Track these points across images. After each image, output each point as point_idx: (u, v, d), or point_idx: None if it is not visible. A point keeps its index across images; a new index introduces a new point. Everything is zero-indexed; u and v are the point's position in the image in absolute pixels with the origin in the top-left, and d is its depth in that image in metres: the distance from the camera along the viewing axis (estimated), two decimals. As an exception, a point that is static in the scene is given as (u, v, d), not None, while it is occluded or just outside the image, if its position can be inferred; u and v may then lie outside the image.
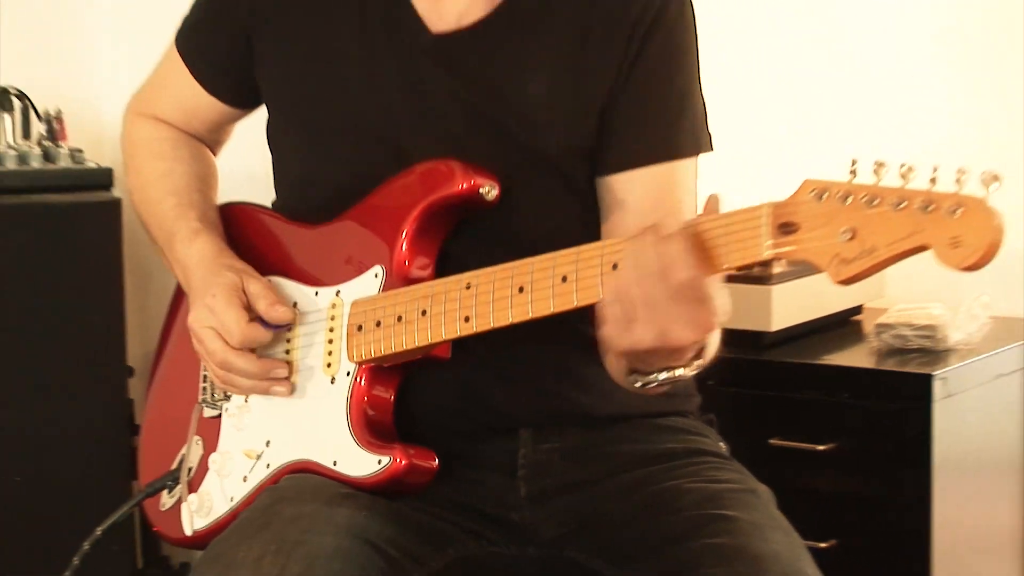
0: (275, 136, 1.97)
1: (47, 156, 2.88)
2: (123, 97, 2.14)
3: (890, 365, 2.37)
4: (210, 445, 1.92)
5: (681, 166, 1.84)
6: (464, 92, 1.82)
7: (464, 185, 1.77)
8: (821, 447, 2.32)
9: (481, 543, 1.83)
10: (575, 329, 1.71)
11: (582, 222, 1.83)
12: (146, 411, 2.10)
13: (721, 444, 1.93)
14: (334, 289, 1.84)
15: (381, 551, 1.68)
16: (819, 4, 2.83)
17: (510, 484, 1.85)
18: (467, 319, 1.69)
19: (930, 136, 2.73)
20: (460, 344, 1.75)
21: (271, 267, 1.90)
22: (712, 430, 1.95)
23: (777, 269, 2.42)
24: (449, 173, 1.78)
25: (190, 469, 1.93)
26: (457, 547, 1.80)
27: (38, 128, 2.95)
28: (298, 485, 1.77)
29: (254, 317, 1.83)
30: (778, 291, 2.43)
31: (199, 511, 1.90)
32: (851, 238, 1.41)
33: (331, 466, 1.78)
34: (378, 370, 1.80)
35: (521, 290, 1.65)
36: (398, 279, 1.79)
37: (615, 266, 1.57)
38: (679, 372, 1.63)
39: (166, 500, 1.97)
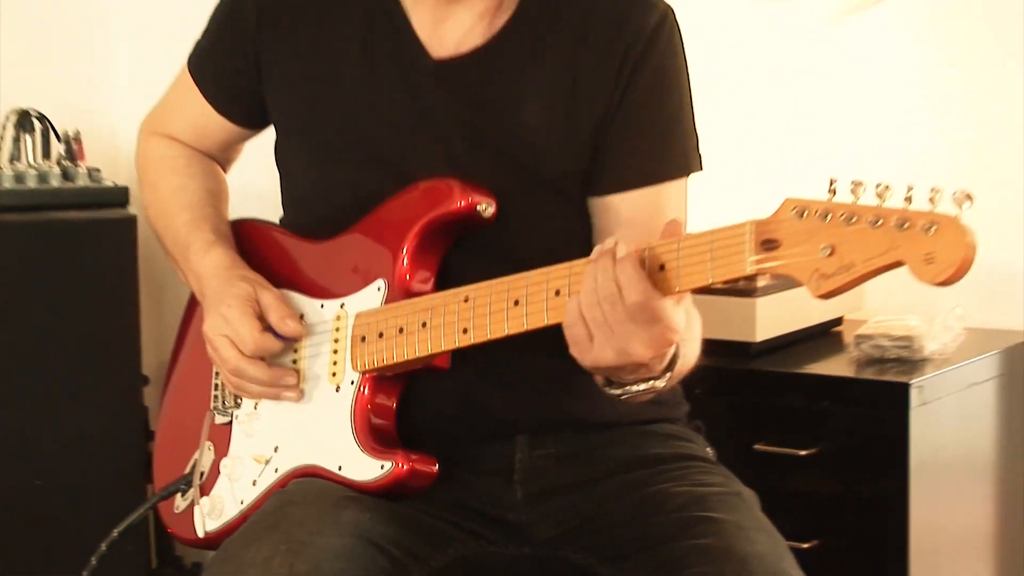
0: (283, 155, 1.97)
1: (66, 175, 2.88)
2: (138, 120, 2.14)
3: (869, 374, 2.37)
4: (221, 451, 1.92)
5: (670, 187, 1.84)
6: (463, 115, 1.82)
7: (462, 203, 1.77)
8: (803, 452, 2.32)
9: (480, 543, 1.83)
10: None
11: (577, 239, 1.83)
12: (160, 418, 2.10)
13: (708, 449, 1.93)
14: (339, 302, 1.84)
15: (384, 551, 1.68)
16: (804, 27, 2.83)
17: (507, 487, 1.85)
18: (465, 331, 1.69)
19: (908, 156, 2.73)
20: (459, 354, 1.75)
21: (279, 280, 1.90)
22: (699, 436, 1.95)
23: (761, 283, 2.41)
24: (448, 191, 1.78)
25: (202, 473, 1.93)
26: (457, 547, 1.80)
27: (57, 149, 2.95)
28: (305, 489, 1.77)
29: (266, 327, 1.83)
30: (762, 304, 2.43)
31: (211, 513, 1.90)
32: (830, 254, 1.42)
33: (336, 471, 1.78)
34: (381, 379, 1.80)
35: (517, 303, 1.65)
36: (400, 292, 1.78)
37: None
38: (652, 383, 1.64)
39: (179, 503, 1.97)
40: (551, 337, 1.64)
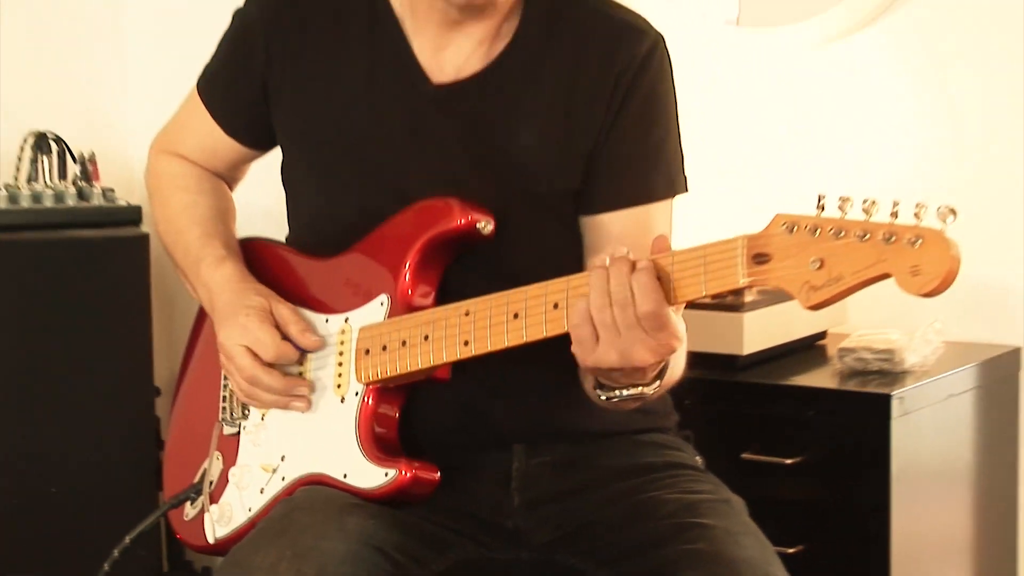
0: (289, 176, 1.97)
1: (81, 195, 2.88)
2: (150, 142, 2.13)
3: (852, 385, 2.37)
4: (229, 460, 1.91)
5: (657, 207, 1.84)
6: (463, 137, 1.82)
7: (462, 220, 1.77)
8: (789, 460, 2.31)
9: (479, 548, 1.82)
10: (566, 352, 1.71)
11: (572, 254, 1.83)
12: (170, 429, 2.09)
13: (697, 458, 1.93)
14: (343, 316, 1.83)
15: (388, 555, 1.68)
16: (790, 53, 2.82)
17: (505, 494, 1.84)
18: (466, 343, 1.68)
19: (892, 174, 2.73)
20: (459, 366, 1.75)
21: (286, 296, 1.89)
22: (689, 445, 1.95)
23: (748, 298, 2.41)
24: (448, 209, 1.77)
25: (211, 482, 1.92)
26: (457, 551, 1.80)
27: (73, 169, 2.95)
28: (311, 496, 1.76)
29: (283, 338, 1.82)
30: (749, 318, 2.42)
31: (220, 520, 1.89)
32: (820, 267, 1.42)
33: (341, 479, 1.77)
34: (384, 390, 1.79)
35: (516, 316, 1.64)
36: (402, 306, 1.78)
37: None
38: (641, 390, 1.65)
39: (189, 510, 1.96)
40: (548, 350, 1.64)
